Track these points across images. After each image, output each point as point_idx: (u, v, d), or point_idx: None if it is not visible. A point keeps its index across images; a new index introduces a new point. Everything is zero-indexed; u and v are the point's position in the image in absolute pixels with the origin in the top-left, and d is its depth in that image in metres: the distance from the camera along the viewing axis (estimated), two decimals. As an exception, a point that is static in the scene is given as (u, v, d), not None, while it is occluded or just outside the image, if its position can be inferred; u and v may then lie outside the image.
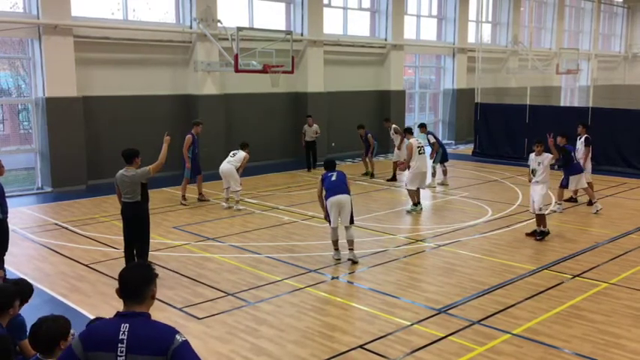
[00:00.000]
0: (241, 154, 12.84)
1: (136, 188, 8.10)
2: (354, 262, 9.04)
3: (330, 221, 9.10)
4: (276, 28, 18.54)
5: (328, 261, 9.23)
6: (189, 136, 13.26)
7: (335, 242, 9.22)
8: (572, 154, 12.52)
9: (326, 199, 9.09)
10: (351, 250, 9.12)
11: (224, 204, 12.99)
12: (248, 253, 9.69)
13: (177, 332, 3.08)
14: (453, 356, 6.07)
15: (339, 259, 9.18)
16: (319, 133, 18.02)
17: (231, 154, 13.06)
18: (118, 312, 3.17)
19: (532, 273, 8.64)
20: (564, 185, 12.50)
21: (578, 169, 12.40)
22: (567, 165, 12.37)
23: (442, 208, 13.20)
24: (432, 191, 14.89)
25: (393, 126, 16.79)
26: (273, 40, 16.22)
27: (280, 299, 7.66)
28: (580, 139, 13.37)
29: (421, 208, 12.54)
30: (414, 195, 12.50)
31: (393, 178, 16.15)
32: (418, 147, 12.55)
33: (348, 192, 9.13)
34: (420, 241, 10.51)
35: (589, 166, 13.14)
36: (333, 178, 9.18)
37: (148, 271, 3.25)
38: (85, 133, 15.18)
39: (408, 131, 13.78)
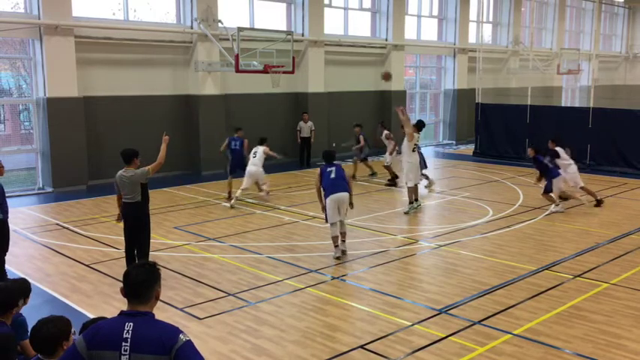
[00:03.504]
0: (260, 151, 13.29)
1: (135, 188, 8.10)
2: (344, 253, 9.34)
3: (327, 217, 9.25)
4: (277, 28, 18.55)
5: (329, 261, 9.23)
6: (246, 141, 13.87)
7: (335, 239, 9.32)
8: (544, 162, 12.66)
9: (325, 197, 9.23)
10: (344, 241, 9.48)
11: (225, 204, 13.07)
12: (249, 253, 9.69)
13: (181, 332, 3.10)
14: (454, 356, 6.07)
15: (340, 258, 9.25)
16: (314, 129, 18.92)
17: (252, 153, 13.46)
18: (122, 311, 3.19)
19: (533, 273, 8.64)
20: (549, 190, 12.56)
21: (557, 173, 12.54)
22: (545, 172, 12.59)
23: (443, 208, 13.19)
24: (431, 191, 14.86)
25: (385, 132, 16.35)
26: (274, 41, 16.21)
27: (281, 299, 7.66)
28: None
29: (419, 205, 12.52)
30: (413, 192, 12.49)
31: (392, 184, 15.73)
32: (416, 143, 12.52)
33: (347, 189, 9.30)
34: (421, 241, 10.51)
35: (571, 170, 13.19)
36: (332, 175, 9.30)
37: (153, 271, 3.26)
38: (85, 134, 15.19)
39: (418, 125, 13.32)
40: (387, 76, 15.37)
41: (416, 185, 12.54)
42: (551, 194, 12.55)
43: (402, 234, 10.92)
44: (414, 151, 12.50)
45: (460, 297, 7.70)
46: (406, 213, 12.38)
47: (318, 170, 9.58)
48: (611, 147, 17.76)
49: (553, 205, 12.60)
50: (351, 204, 9.50)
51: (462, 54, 25.58)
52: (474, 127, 21.72)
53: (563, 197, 12.90)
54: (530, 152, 12.93)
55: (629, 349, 6.24)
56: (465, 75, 25.66)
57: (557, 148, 12.99)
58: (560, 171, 12.63)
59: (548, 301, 7.55)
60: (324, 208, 9.34)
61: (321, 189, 9.40)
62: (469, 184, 15.85)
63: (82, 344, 3.10)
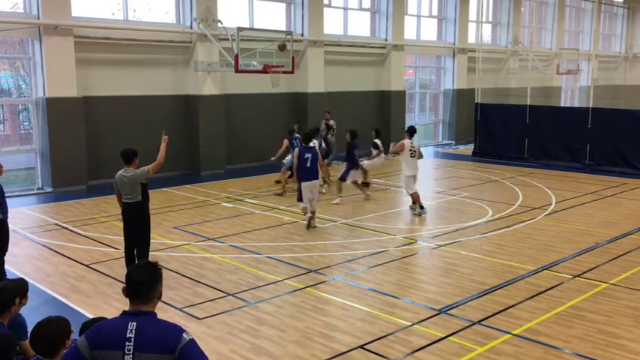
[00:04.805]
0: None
1: (135, 188, 8.11)
2: (314, 227, 11.01)
3: (300, 197, 11.16)
4: (277, 28, 18.54)
5: (329, 261, 9.24)
6: (286, 141, 14.56)
7: (304, 209, 11.25)
8: (353, 151, 13.45)
9: (300, 181, 11.00)
10: (314, 218, 11.11)
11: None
12: (248, 253, 9.70)
13: (184, 331, 3.12)
14: (453, 356, 6.07)
15: (308, 227, 10.99)
16: (335, 128, 18.54)
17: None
18: (124, 311, 3.19)
19: (532, 273, 8.65)
20: (344, 178, 13.40)
21: (356, 166, 13.48)
22: (349, 160, 13.45)
23: (442, 208, 13.19)
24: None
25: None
26: (274, 41, 16.21)
27: (280, 299, 7.66)
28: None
29: (421, 211, 12.39)
30: (415, 199, 12.45)
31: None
32: (410, 149, 12.38)
33: (318, 177, 11.15)
34: (421, 241, 10.51)
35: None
36: (308, 164, 10.85)
37: (155, 270, 3.27)
38: (85, 134, 15.18)
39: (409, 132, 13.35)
40: (282, 47, 15.93)
41: (415, 192, 12.42)
42: (344, 183, 13.48)
43: (401, 234, 10.93)
44: (412, 157, 12.34)
45: (460, 297, 7.71)
46: (412, 209, 12.39)
47: (296, 151, 11.07)
48: (611, 147, 17.77)
49: (337, 199, 13.36)
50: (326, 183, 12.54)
51: (461, 54, 25.58)
52: (474, 127, 21.72)
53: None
54: (349, 138, 13.50)
55: (628, 349, 6.24)
56: (464, 75, 25.67)
57: (377, 140, 14.16)
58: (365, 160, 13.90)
59: (547, 301, 7.56)
60: (297, 180, 11.18)
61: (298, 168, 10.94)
62: (468, 184, 15.85)
63: (85, 344, 3.09)
